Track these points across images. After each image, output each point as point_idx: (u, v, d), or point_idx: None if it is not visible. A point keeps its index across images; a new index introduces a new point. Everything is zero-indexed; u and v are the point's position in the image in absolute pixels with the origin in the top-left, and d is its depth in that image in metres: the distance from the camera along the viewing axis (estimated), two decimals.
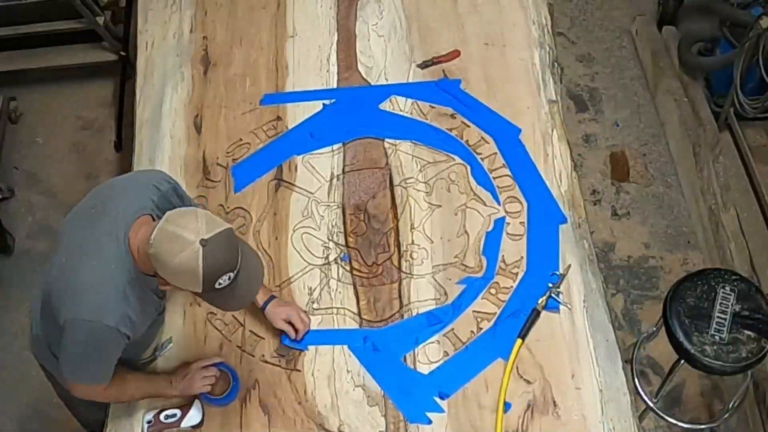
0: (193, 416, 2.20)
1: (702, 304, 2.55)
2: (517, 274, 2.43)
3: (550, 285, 2.38)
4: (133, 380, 2.21)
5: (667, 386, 2.88)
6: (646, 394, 2.84)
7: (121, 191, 2.09)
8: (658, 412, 2.84)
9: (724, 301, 2.55)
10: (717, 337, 2.49)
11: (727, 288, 2.57)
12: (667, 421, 2.90)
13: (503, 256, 2.47)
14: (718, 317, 2.53)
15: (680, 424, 2.93)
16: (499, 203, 2.57)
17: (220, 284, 1.89)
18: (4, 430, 3.19)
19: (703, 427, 3.03)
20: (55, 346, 2.13)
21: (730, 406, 2.87)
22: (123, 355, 2.08)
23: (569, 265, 2.42)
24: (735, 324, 2.51)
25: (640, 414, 2.77)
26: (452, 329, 2.34)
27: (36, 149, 3.95)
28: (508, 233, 2.51)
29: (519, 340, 2.29)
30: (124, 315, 1.98)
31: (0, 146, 3.83)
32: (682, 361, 2.59)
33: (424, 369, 2.28)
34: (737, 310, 2.53)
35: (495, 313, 2.37)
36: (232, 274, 1.90)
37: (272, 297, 2.34)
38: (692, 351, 2.50)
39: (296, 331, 2.32)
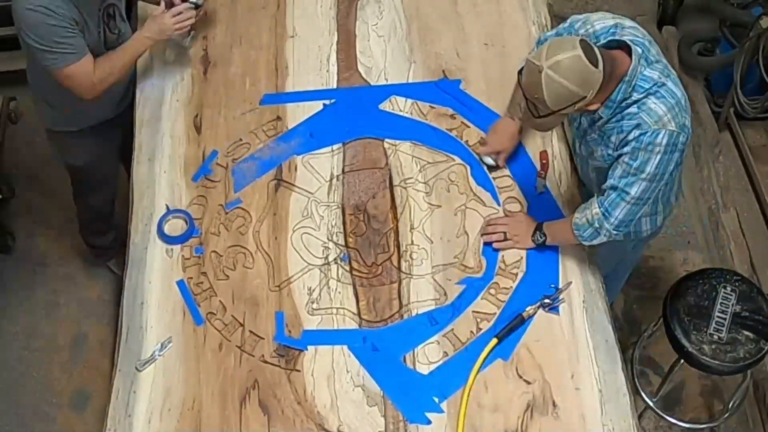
0: None
1: (702, 304, 2.56)
2: (516, 274, 2.43)
3: (544, 296, 2.37)
4: (111, 53, 2.62)
5: (667, 386, 2.88)
6: (646, 394, 2.84)
7: None
8: (658, 411, 2.84)
9: (725, 302, 2.55)
10: (716, 337, 2.50)
11: (728, 288, 2.57)
12: (667, 420, 2.91)
13: (503, 256, 2.47)
14: (717, 317, 2.53)
15: (680, 423, 2.94)
16: (499, 203, 2.57)
17: None
18: (4, 430, 3.19)
19: (702, 427, 3.04)
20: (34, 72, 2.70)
21: (730, 406, 2.87)
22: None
23: (569, 282, 2.41)
24: (734, 324, 2.51)
25: (640, 413, 2.78)
26: (452, 329, 2.34)
27: (36, 149, 3.95)
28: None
29: (494, 339, 2.29)
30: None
31: (0, 146, 3.83)
32: (682, 361, 2.60)
33: (424, 369, 2.28)
34: (737, 310, 2.54)
35: (495, 313, 2.37)
36: None
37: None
38: (690, 350, 2.50)
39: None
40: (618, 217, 2.23)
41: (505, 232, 2.45)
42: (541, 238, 2.41)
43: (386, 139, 2.72)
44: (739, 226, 3.42)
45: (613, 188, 2.20)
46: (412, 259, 2.47)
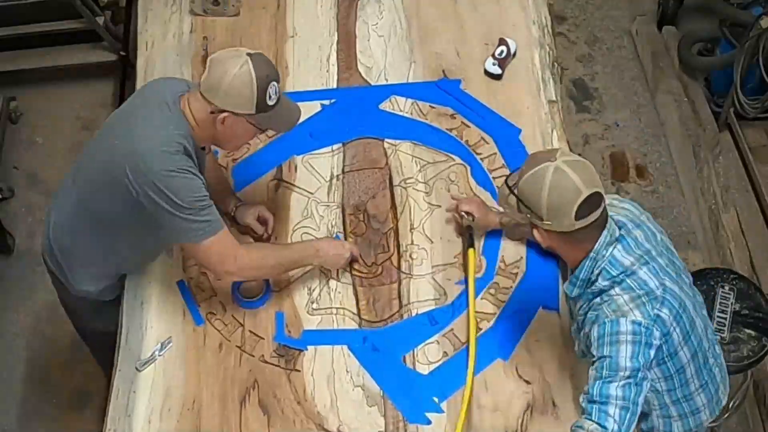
0: None
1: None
2: (516, 274, 2.43)
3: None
4: (272, 247, 2.42)
5: None
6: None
7: (155, 85, 2.32)
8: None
9: (724, 301, 2.55)
10: (719, 337, 2.49)
11: (726, 287, 2.57)
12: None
13: (503, 256, 2.47)
14: (718, 317, 2.53)
15: None
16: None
17: (270, 98, 2.10)
18: (4, 430, 3.19)
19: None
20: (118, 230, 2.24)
21: (730, 406, 2.87)
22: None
23: None
24: (735, 323, 2.51)
25: None
26: (452, 329, 2.34)
27: (36, 149, 3.95)
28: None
29: (471, 251, 2.34)
30: (186, 162, 2.10)
31: (0, 146, 3.83)
32: None
33: (424, 369, 2.28)
34: (737, 309, 2.54)
35: (494, 313, 2.37)
36: (277, 87, 2.12)
37: (240, 202, 2.53)
38: None
39: (266, 224, 2.49)
40: (616, 420, 1.88)
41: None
42: None
43: (386, 139, 2.72)
44: (739, 226, 3.42)
45: (592, 400, 1.91)
46: (412, 259, 2.47)
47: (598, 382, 1.91)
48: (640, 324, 1.90)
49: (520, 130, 2.71)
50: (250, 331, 2.36)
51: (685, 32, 3.99)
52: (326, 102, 2.81)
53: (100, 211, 2.21)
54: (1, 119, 3.87)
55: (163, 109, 2.13)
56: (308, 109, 2.79)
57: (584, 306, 2.02)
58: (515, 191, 1.92)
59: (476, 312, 2.36)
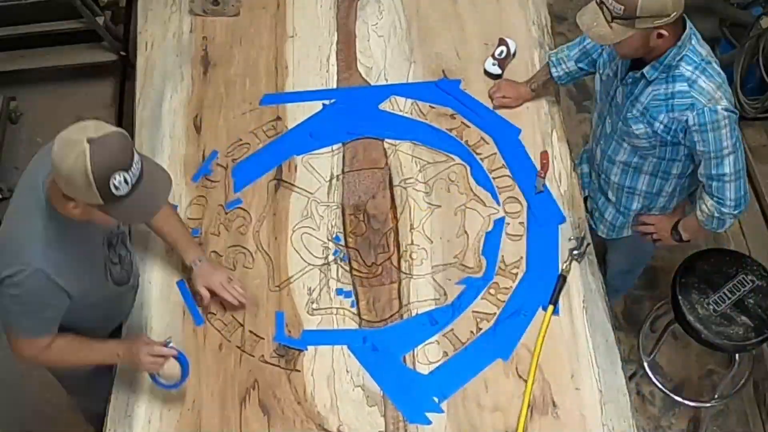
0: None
1: (718, 275, 2.62)
2: (516, 274, 2.43)
3: (570, 249, 2.46)
4: (77, 344, 2.17)
5: (659, 347, 2.92)
6: (644, 354, 2.86)
7: (42, 156, 2.10)
8: (648, 372, 2.85)
9: (739, 285, 2.60)
10: (713, 307, 2.56)
11: (749, 276, 2.60)
12: (653, 383, 2.91)
13: (503, 256, 2.47)
14: (725, 293, 2.57)
15: (667, 392, 2.93)
16: (498, 203, 2.57)
17: (117, 188, 1.82)
18: (4, 430, 3.19)
19: (692, 404, 3.03)
20: None
21: (716, 396, 2.89)
22: (93, 324, 2.13)
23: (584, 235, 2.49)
24: (737, 306, 2.55)
25: (631, 375, 2.86)
26: (452, 329, 2.34)
27: (36, 149, 3.92)
28: (507, 233, 2.51)
29: (551, 307, 2.35)
30: (46, 259, 1.95)
31: (0, 146, 3.83)
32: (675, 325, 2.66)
33: (424, 369, 2.28)
34: (746, 298, 2.56)
35: (494, 313, 2.37)
36: (127, 176, 1.83)
37: (201, 259, 2.37)
38: (684, 304, 2.55)
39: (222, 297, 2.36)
40: (731, 197, 2.30)
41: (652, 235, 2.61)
42: (677, 235, 2.53)
43: (386, 139, 2.72)
44: (739, 226, 3.42)
45: (709, 177, 2.29)
46: (412, 259, 2.47)
47: (712, 163, 2.26)
48: (727, 108, 2.20)
49: (520, 130, 2.71)
50: (250, 331, 2.36)
51: None
52: (326, 102, 2.81)
53: None
54: (1, 119, 3.87)
55: (27, 193, 2.02)
56: (308, 109, 2.79)
57: (656, 90, 2.25)
58: (638, 14, 2.07)
59: (476, 312, 2.37)
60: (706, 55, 2.23)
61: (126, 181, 1.83)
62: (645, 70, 2.24)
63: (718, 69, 2.24)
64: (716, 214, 2.34)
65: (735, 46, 3.59)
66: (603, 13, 2.12)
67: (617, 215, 2.61)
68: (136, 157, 1.86)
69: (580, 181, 2.64)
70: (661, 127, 2.27)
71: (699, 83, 2.20)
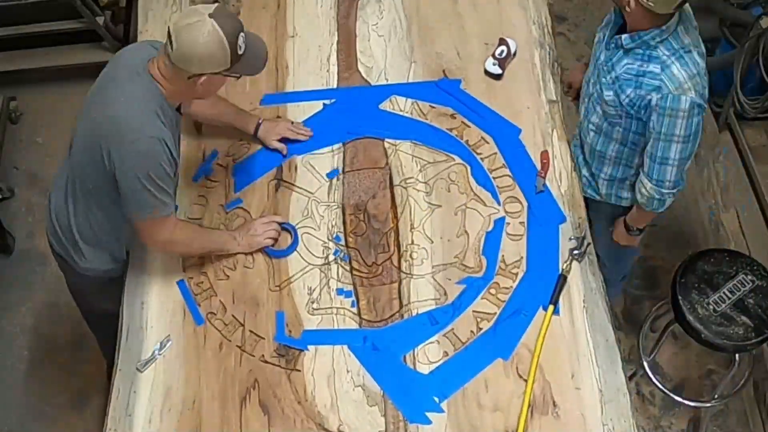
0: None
1: (718, 275, 2.63)
2: (516, 274, 2.43)
3: (571, 249, 2.46)
4: (200, 231, 2.45)
5: (659, 347, 2.92)
6: (644, 354, 2.86)
7: (124, 54, 2.32)
8: (648, 372, 2.86)
9: (739, 285, 2.61)
10: (713, 307, 2.57)
11: (749, 276, 2.61)
12: (653, 383, 2.91)
13: (503, 256, 2.47)
14: (725, 293, 2.58)
15: (667, 392, 2.94)
16: (499, 203, 2.57)
17: (240, 47, 2.13)
18: (4, 430, 3.19)
19: (691, 404, 3.03)
20: (100, 208, 2.33)
21: (715, 396, 2.89)
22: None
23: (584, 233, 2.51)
24: (737, 307, 2.55)
25: (631, 375, 2.86)
26: (452, 329, 2.34)
27: (36, 149, 3.96)
28: (508, 233, 2.51)
29: (551, 307, 2.34)
30: (161, 129, 2.17)
31: (0, 146, 3.83)
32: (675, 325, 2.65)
33: (424, 369, 2.28)
34: (746, 298, 2.57)
35: (495, 313, 2.37)
36: (243, 34, 2.14)
37: (262, 120, 2.66)
38: (684, 304, 2.57)
39: (295, 141, 2.66)
40: (671, 179, 2.39)
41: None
42: (634, 230, 2.65)
43: (386, 139, 2.72)
44: (739, 226, 3.42)
45: (652, 158, 2.37)
46: (412, 258, 2.47)
47: (658, 144, 2.33)
48: (693, 101, 2.26)
49: (520, 130, 2.71)
50: (250, 331, 2.36)
51: None
52: (326, 102, 2.81)
53: (89, 186, 2.29)
54: (1, 119, 3.87)
55: (133, 78, 2.18)
56: (308, 109, 2.79)
57: (630, 63, 2.33)
58: None
59: (476, 312, 2.37)
60: (688, 44, 2.28)
61: (243, 40, 2.15)
62: (623, 37, 2.32)
63: (698, 60, 2.29)
64: (656, 196, 2.44)
65: (735, 46, 3.59)
66: None
67: (590, 177, 2.70)
68: None
69: (580, 181, 2.64)
70: (627, 100, 2.35)
71: (672, 69, 2.26)
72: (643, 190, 2.45)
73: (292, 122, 2.70)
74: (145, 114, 2.16)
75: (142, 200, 2.20)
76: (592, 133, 2.58)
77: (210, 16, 2.08)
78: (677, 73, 2.26)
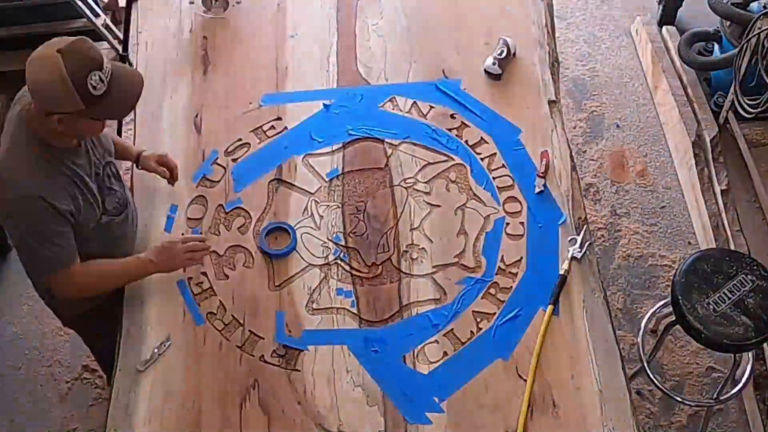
0: None
1: (718, 275, 2.62)
2: (516, 274, 2.43)
3: (571, 248, 2.45)
4: (109, 266, 2.29)
5: (659, 347, 2.92)
6: (644, 354, 2.86)
7: (18, 97, 2.22)
8: (648, 372, 2.86)
9: (739, 285, 2.61)
10: (713, 307, 2.56)
11: (749, 276, 2.61)
12: (653, 383, 2.91)
13: (503, 256, 2.47)
14: (725, 293, 2.58)
15: (667, 391, 2.93)
16: (498, 203, 2.57)
17: (94, 87, 1.95)
18: (4, 429, 3.19)
19: (691, 404, 3.04)
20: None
21: (715, 396, 2.89)
22: (104, 249, 2.25)
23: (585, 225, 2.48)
24: (737, 306, 2.55)
25: (631, 375, 2.84)
26: (452, 329, 2.34)
27: None
28: (507, 233, 2.51)
29: (550, 307, 2.33)
30: (37, 184, 2.03)
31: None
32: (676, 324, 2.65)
33: (424, 369, 2.28)
34: (746, 298, 2.57)
35: (494, 313, 2.37)
36: (101, 74, 1.96)
37: (142, 151, 2.53)
38: (684, 304, 2.57)
39: (171, 171, 2.52)
40: None
41: None
42: None
43: (386, 139, 2.72)
44: (739, 226, 3.42)
45: None
46: (412, 258, 2.47)
47: None
48: None
49: (520, 130, 2.71)
50: (250, 331, 2.36)
51: (685, 32, 3.99)
52: (326, 102, 2.81)
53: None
54: (1, 119, 3.86)
55: (8, 127, 2.11)
56: (308, 109, 2.79)
57: None
58: None
59: (476, 312, 2.37)
60: None
61: (101, 79, 1.96)
62: None
63: None
64: None
65: (735, 46, 3.59)
66: None
67: None
68: (105, 58, 1.98)
69: (580, 181, 2.64)
70: None
71: None
72: None
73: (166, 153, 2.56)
74: (18, 168, 2.04)
75: (33, 259, 2.16)
76: None
77: (58, 51, 1.93)
78: None
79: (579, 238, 2.48)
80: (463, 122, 2.75)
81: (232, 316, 2.38)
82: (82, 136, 2.17)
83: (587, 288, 2.41)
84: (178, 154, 2.69)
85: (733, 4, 3.68)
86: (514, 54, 2.87)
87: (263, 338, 2.34)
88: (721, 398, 2.83)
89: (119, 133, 3.84)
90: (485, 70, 2.83)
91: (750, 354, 2.79)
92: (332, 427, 2.20)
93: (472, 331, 2.34)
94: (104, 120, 2.14)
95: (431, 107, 2.79)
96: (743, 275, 2.61)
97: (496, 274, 2.44)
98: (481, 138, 2.71)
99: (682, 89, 3.92)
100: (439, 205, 2.57)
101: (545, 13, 3.03)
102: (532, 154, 2.66)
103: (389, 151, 2.70)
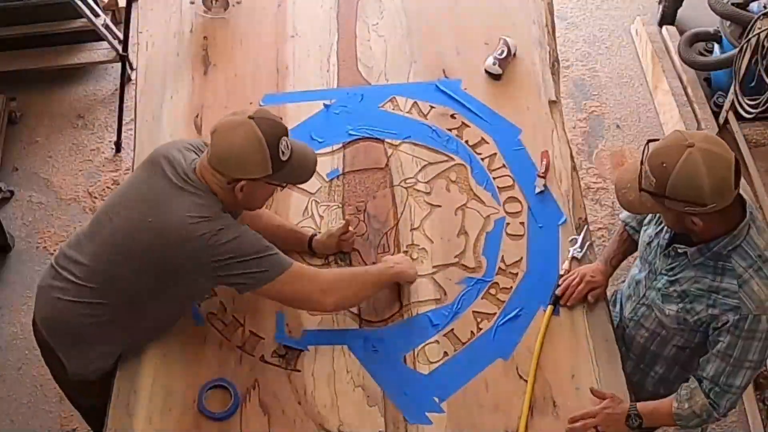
0: None
1: None
2: (516, 274, 2.43)
3: (571, 248, 2.44)
4: (348, 271, 2.35)
5: None
6: None
7: (170, 156, 2.16)
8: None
9: None
10: None
11: None
12: None
13: (503, 256, 2.47)
14: None
15: None
16: (499, 203, 2.57)
17: (283, 153, 2.04)
18: (4, 429, 3.19)
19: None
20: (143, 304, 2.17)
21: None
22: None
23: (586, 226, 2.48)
24: None
25: None
26: (452, 329, 2.34)
27: (36, 149, 3.95)
28: (507, 233, 2.51)
29: (550, 307, 2.33)
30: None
31: (0, 146, 3.84)
32: None
33: (424, 369, 2.28)
34: None
35: (495, 313, 2.36)
36: (287, 140, 2.06)
37: (314, 234, 2.47)
38: None
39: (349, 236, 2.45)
40: (726, 407, 2.07)
41: (596, 427, 2.14)
42: (635, 422, 2.13)
43: (386, 139, 2.72)
44: None
45: (714, 381, 2.04)
46: (412, 258, 2.47)
47: (726, 369, 2.02)
48: None
49: (520, 130, 2.71)
50: (250, 331, 2.35)
51: (685, 32, 4.00)
52: (327, 102, 2.81)
53: (127, 288, 2.15)
54: (1, 119, 3.87)
55: (187, 187, 2.08)
56: (308, 109, 2.79)
57: (700, 277, 2.02)
58: (666, 193, 1.87)
59: (476, 312, 2.37)
60: (764, 247, 1.96)
61: (287, 146, 2.06)
62: (690, 251, 2.02)
63: None
64: (704, 416, 2.08)
65: (735, 46, 3.60)
66: (639, 177, 1.94)
67: (635, 370, 2.38)
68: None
69: (580, 181, 2.64)
70: (695, 317, 2.06)
71: (750, 285, 1.95)
72: (693, 403, 2.07)
73: (342, 230, 2.43)
74: (211, 212, 2.06)
75: (261, 267, 2.10)
76: (644, 337, 2.28)
77: (250, 117, 2.01)
78: (757, 290, 1.95)
79: (579, 238, 2.48)
80: (463, 122, 2.75)
81: (233, 316, 2.38)
82: (252, 206, 2.22)
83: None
84: None
85: (733, 4, 3.68)
86: (515, 54, 2.87)
87: (263, 338, 2.34)
88: None
89: (119, 133, 3.86)
90: (485, 70, 2.83)
91: None
92: (332, 427, 2.20)
93: (472, 331, 2.34)
94: (284, 186, 2.25)
95: (431, 107, 2.79)
96: None
97: (497, 274, 2.44)
98: (482, 138, 2.71)
99: (682, 89, 3.92)
100: (439, 206, 2.57)
101: (545, 13, 3.03)
102: (533, 154, 2.66)
103: (389, 152, 2.70)
